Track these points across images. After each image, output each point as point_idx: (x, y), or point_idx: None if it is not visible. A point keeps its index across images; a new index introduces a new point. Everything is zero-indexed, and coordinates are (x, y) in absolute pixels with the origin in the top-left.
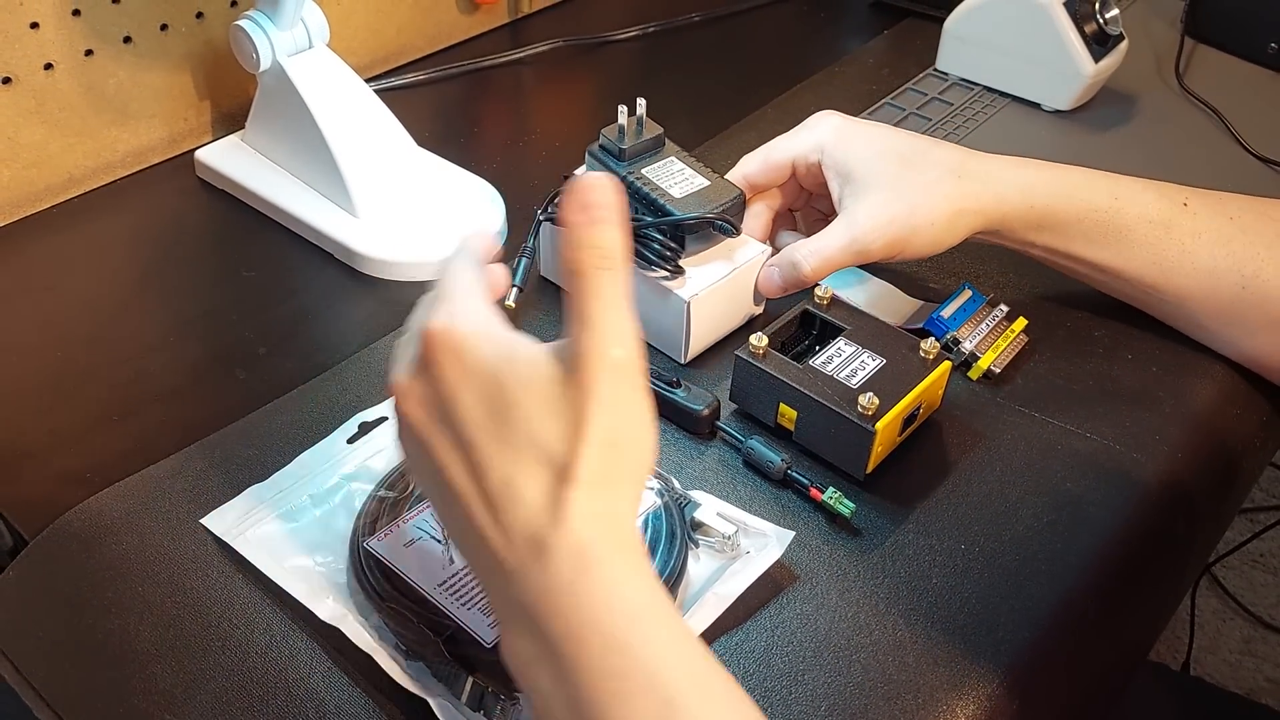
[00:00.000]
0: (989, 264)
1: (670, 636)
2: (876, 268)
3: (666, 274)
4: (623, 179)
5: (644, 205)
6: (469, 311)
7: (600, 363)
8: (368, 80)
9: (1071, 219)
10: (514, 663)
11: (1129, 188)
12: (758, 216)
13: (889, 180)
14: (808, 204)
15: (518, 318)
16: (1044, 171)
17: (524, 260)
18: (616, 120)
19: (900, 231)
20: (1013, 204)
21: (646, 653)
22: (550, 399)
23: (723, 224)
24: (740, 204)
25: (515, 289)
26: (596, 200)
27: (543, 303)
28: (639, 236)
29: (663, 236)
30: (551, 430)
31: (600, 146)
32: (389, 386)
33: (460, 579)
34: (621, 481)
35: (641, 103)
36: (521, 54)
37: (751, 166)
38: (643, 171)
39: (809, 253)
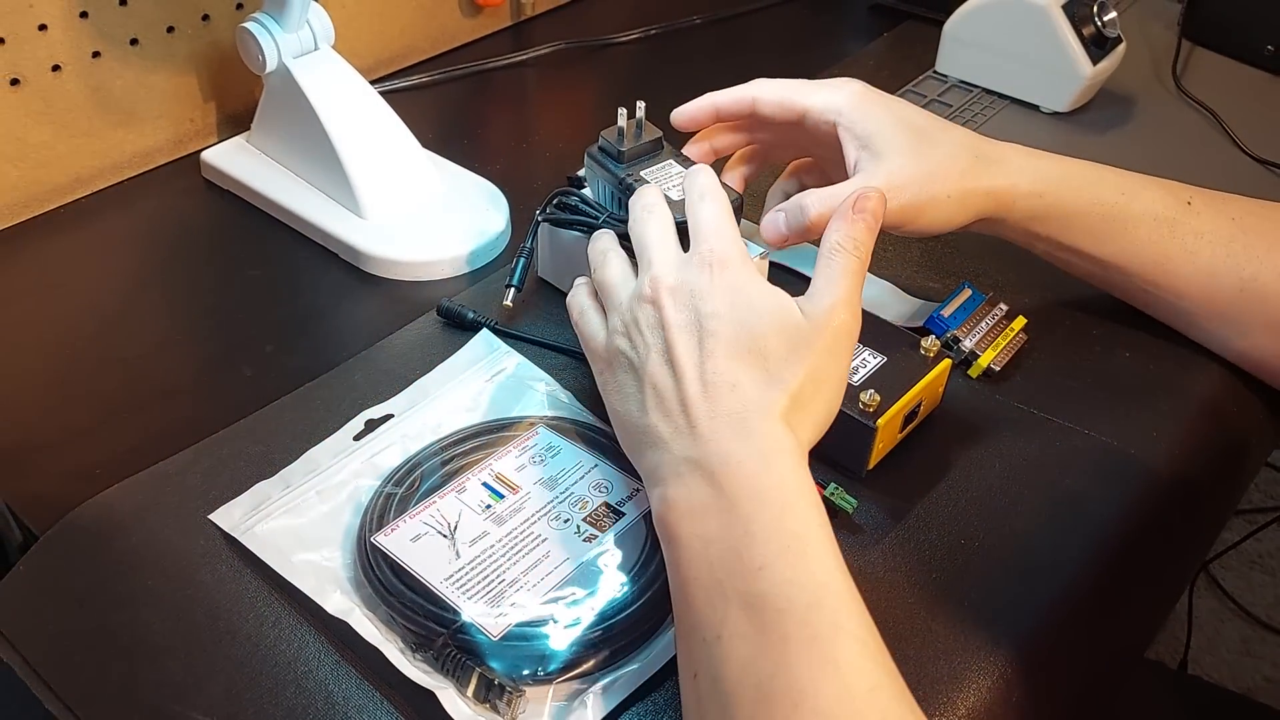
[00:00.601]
0: (988, 263)
1: (832, 543)
2: (876, 265)
3: None
4: (620, 181)
5: None
6: (738, 241)
7: (834, 318)
8: (372, 82)
9: (1078, 211)
10: (674, 512)
11: (1135, 184)
12: (710, 145)
13: (908, 149)
14: (797, 165)
15: (515, 318)
16: (1054, 163)
17: (522, 261)
18: (616, 122)
19: (915, 199)
20: (1023, 191)
21: (820, 531)
22: (789, 330)
23: None
24: (738, 206)
25: (513, 289)
26: (872, 209)
27: (541, 303)
28: None
29: None
30: (781, 351)
31: (599, 148)
32: (604, 265)
33: (466, 573)
34: (811, 413)
35: (641, 105)
36: (524, 56)
37: (766, 94)
38: (641, 174)
39: (818, 199)
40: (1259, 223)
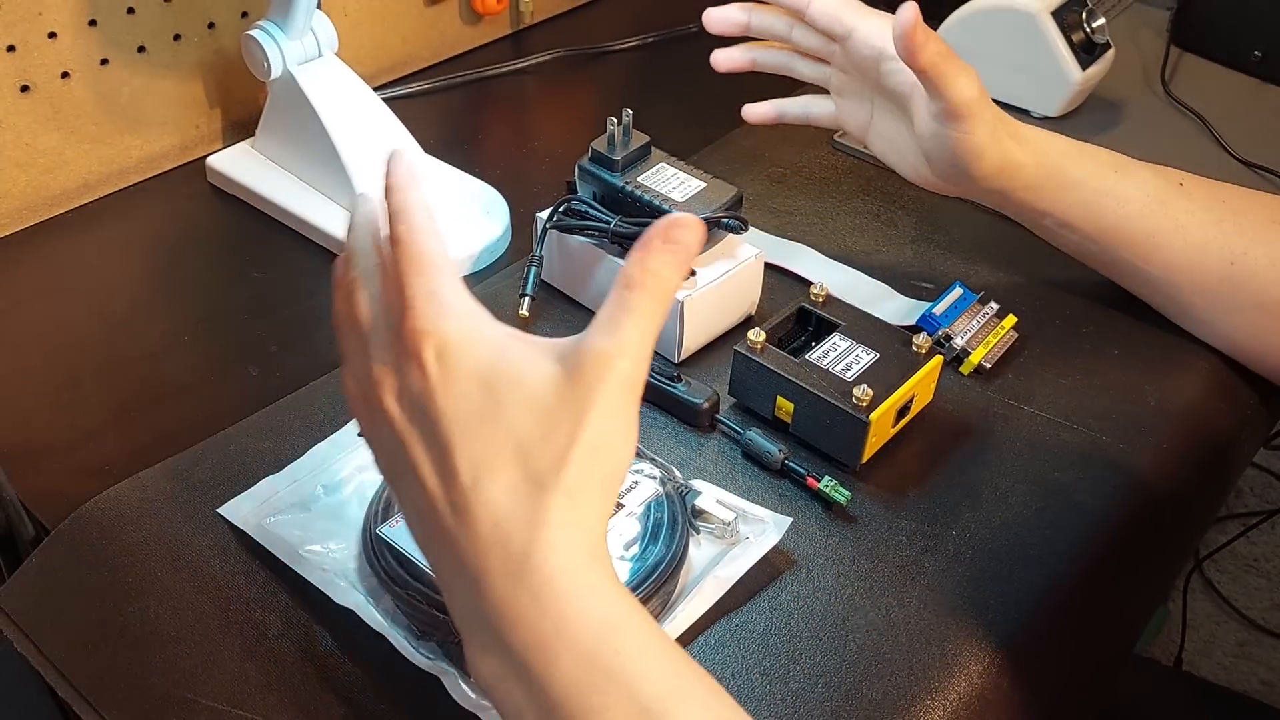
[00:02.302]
0: (980, 263)
1: (644, 644)
2: (870, 264)
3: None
4: (620, 189)
5: (649, 212)
6: (451, 302)
7: (607, 371)
8: (374, 89)
9: (1072, 184)
10: (484, 681)
11: (1129, 163)
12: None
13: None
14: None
15: (529, 326)
16: (1056, 137)
17: (533, 269)
18: (607, 131)
19: (993, 118)
20: (1028, 158)
21: (619, 662)
22: (543, 400)
23: (729, 221)
24: (739, 200)
25: (528, 298)
26: (686, 241)
27: (543, 305)
28: None
29: None
30: (537, 435)
31: (591, 159)
32: (346, 373)
33: None
34: (596, 491)
35: (628, 112)
36: (523, 64)
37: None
38: (639, 180)
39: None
40: (1249, 205)
